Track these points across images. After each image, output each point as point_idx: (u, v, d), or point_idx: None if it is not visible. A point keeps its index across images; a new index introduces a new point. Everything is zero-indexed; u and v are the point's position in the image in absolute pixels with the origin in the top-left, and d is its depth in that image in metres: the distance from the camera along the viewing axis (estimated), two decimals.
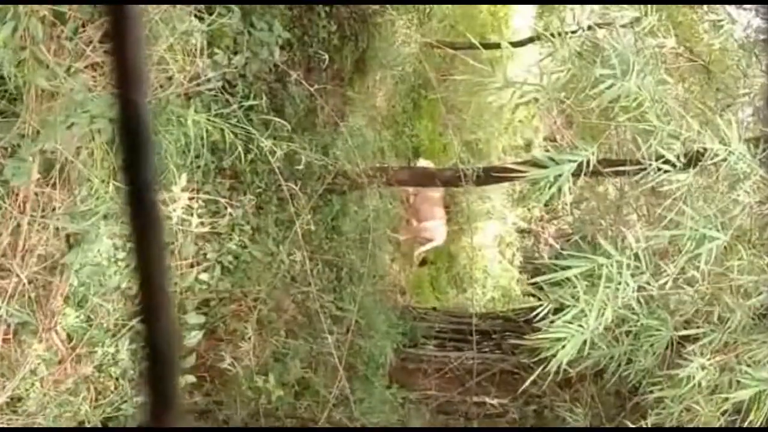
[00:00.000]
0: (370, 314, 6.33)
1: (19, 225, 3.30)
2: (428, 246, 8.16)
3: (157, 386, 0.54)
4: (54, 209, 3.39)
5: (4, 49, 2.67)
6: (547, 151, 4.20)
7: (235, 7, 4.24)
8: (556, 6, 9.90)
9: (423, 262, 8.77)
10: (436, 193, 8.13)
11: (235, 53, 4.48)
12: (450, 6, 9.11)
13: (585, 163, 3.60)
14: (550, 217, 11.47)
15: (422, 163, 8.64)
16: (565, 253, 3.83)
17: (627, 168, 4.25)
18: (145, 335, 0.54)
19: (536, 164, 3.64)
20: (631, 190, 4.96)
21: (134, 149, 0.54)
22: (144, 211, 0.54)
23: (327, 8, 6.20)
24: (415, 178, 6.90)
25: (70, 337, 3.72)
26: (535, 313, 3.80)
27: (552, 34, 3.93)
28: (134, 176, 0.54)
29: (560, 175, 3.54)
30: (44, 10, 2.98)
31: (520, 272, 11.09)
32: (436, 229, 8.06)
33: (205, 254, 4.68)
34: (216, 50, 4.24)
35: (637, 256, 3.62)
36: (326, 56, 5.62)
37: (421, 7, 8.30)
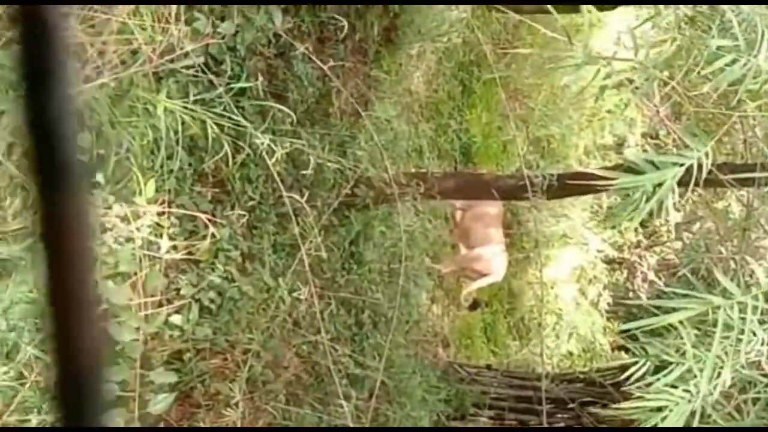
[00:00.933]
0: (401, 373, 6.32)
1: None
2: (482, 282, 8.13)
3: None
4: None
5: None
6: (645, 151, 4.17)
7: None
8: None
9: (474, 305, 8.73)
10: (493, 208, 8.10)
11: (222, 19, 4.52)
12: None
13: (697, 168, 3.57)
14: (650, 242, 11.37)
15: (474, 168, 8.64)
16: (669, 291, 3.80)
17: (756, 175, 4.20)
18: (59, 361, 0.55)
19: (630, 169, 3.62)
20: (762, 206, 4.90)
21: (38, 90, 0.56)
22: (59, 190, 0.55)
23: None
24: (465, 189, 6.88)
25: None
26: (626, 373, 3.78)
27: None
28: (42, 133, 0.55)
29: (662, 184, 3.51)
30: None
31: (608, 318, 11.00)
32: (492, 258, 8.02)
33: (178, 290, 4.70)
34: (196, 14, 4.28)
35: None
36: (345, 23, 5.64)
37: None
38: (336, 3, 5.94)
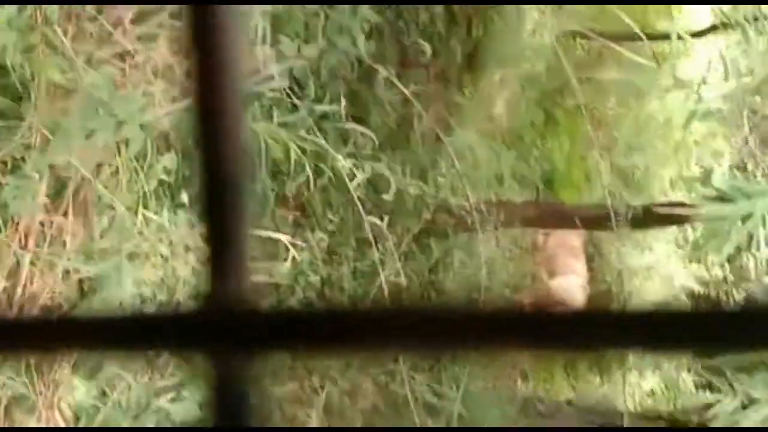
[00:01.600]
0: (479, 406, 6.27)
1: (18, 264, 3.43)
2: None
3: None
4: (64, 245, 3.51)
5: (9, 31, 2.81)
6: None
7: None
8: None
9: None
10: (576, 238, 8.04)
11: (307, 42, 4.58)
12: None
13: None
14: (737, 278, 11.12)
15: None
16: None
17: None
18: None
19: (718, 198, 3.57)
20: None
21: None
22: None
23: None
24: (547, 217, 6.85)
25: (77, 417, 3.82)
26: (712, 412, 3.70)
27: (745, 19, 3.87)
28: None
29: (751, 215, 3.45)
30: None
31: (693, 355, 10.79)
32: (573, 288, 7.96)
33: None
34: (281, 37, 4.35)
35: None
36: (428, 48, 5.68)
37: None
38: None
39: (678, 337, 0.52)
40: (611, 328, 0.53)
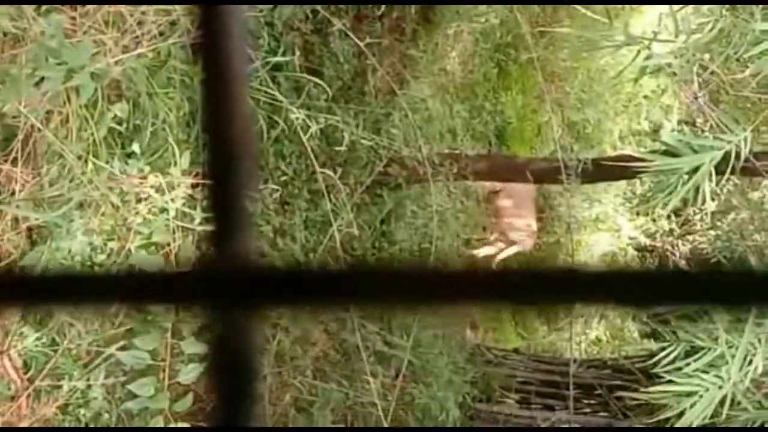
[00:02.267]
0: (429, 354, 6.32)
1: None
2: (509, 251, 8.14)
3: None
4: (13, 193, 3.47)
5: None
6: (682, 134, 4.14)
7: None
8: None
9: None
10: (526, 188, 8.09)
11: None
12: None
13: (734, 155, 3.54)
14: (683, 230, 11.28)
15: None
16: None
17: None
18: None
19: (666, 153, 3.60)
20: None
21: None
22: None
23: None
24: (498, 171, 6.87)
25: (27, 366, 3.80)
26: (656, 359, 3.77)
27: None
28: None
29: (698, 168, 3.49)
30: None
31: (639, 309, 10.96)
32: (521, 228, 8.03)
33: None
34: None
35: None
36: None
37: None
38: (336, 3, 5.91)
39: (624, 294, 0.54)
40: (559, 284, 0.54)
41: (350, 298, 0.58)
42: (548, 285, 0.54)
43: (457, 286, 0.55)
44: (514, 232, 8.02)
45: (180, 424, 3.97)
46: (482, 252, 8.25)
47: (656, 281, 0.54)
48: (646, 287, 0.54)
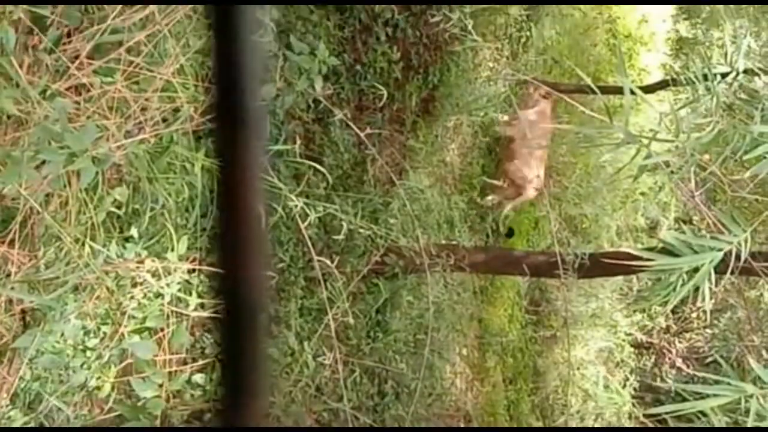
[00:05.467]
0: (423, 427, 6.26)
1: None
2: (517, 201, 8.07)
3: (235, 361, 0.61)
4: (9, 275, 3.45)
5: None
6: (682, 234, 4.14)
7: (268, 23, 4.35)
8: (698, 42, 9.95)
9: (510, 232, 8.65)
10: (538, 150, 8.03)
11: (264, 82, 4.57)
12: (554, 36, 9.22)
13: (733, 256, 3.54)
14: (680, 328, 11.25)
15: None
16: (699, 376, 3.75)
17: None
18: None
19: (665, 251, 3.60)
20: None
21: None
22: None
23: (389, 30, 6.32)
24: (495, 263, 6.88)
25: None
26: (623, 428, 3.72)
27: (694, 78, 3.92)
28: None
29: (698, 270, 3.48)
30: (19, 11, 3.10)
31: (635, 402, 10.84)
32: (528, 177, 7.94)
33: (203, 348, 4.69)
34: None
35: None
36: (384, 92, 5.70)
37: (515, 35, 8.42)
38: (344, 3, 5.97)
39: None
40: None
41: None
42: None
43: None
44: (522, 180, 7.94)
45: None
46: (489, 199, 8.20)
47: None
48: None
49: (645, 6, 11.70)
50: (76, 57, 3.25)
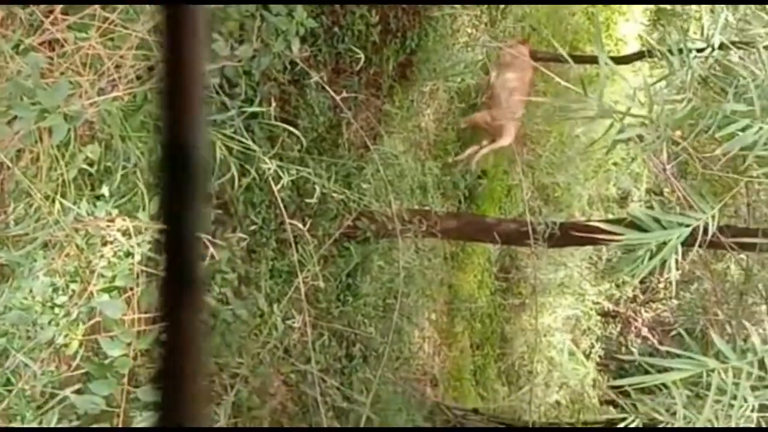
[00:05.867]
0: (387, 410, 6.29)
1: None
2: (492, 147, 8.06)
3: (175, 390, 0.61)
4: None
5: None
6: (650, 208, 4.17)
7: None
8: (677, 14, 9.95)
9: (483, 173, 8.66)
10: (527, 74, 7.97)
11: (241, 42, 4.54)
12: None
13: (701, 230, 3.57)
14: (647, 299, 11.36)
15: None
16: (663, 349, 3.79)
17: (758, 241, 4.21)
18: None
19: (634, 225, 3.63)
20: (762, 272, 4.91)
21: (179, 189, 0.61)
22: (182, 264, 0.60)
23: None
24: (467, 229, 6.90)
25: None
26: (614, 428, 3.78)
27: (669, 51, 3.93)
28: (175, 223, 0.61)
29: (666, 243, 3.52)
30: None
31: (599, 371, 10.96)
32: (505, 125, 7.88)
33: None
34: (215, 36, 4.30)
35: (762, 364, 3.57)
36: (361, 55, 5.67)
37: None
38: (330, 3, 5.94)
39: None
40: None
41: None
42: None
43: None
44: (500, 126, 7.87)
45: None
46: (467, 153, 8.17)
47: None
48: None
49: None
50: (51, 12, 3.22)
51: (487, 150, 8.06)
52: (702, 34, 4.39)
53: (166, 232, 0.60)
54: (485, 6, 8.25)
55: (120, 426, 3.73)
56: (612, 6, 11.61)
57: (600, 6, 11.34)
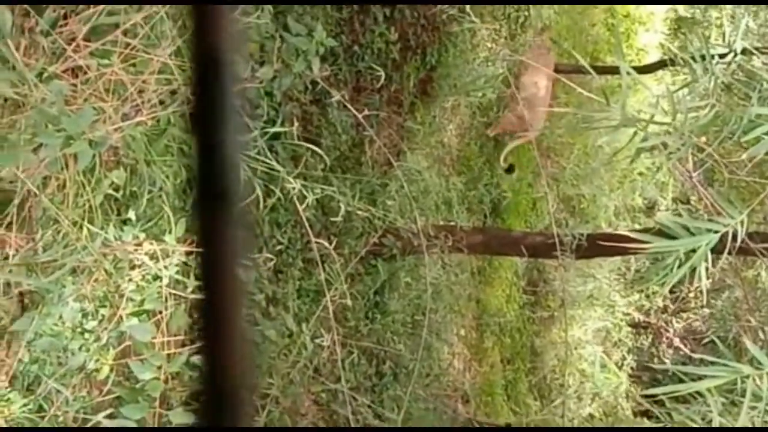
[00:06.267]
0: (420, 427, 6.27)
1: None
2: (519, 141, 7.99)
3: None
4: (6, 258, 3.46)
5: None
6: (678, 216, 4.15)
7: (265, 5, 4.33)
8: (697, 21, 9.93)
9: (510, 168, 8.61)
10: (548, 70, 7.95)
11: (261, 63, 4.56)
12: (552, 16, 9.18)
13: (730, 237, 3.55)
14: (677, 308, 11.27)
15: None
16: (695, 358, 3.76)
17: None
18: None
19: (661, 233, 3.61)
20: None
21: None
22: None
23: (387, 10, 6.30)
24: (493, 244, 6.89)
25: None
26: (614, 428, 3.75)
27: (692, 58, 3.92)
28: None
29: (695, 251, 3.49)
30: None
31: (632, 382, 10.88)
32: (532, 117, 7.82)
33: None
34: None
35: None
36: (382, 73, 5.69)
37: (513, 15, 8.39)
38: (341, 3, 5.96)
39: None
40: None
41: None
42: None
43: None
44: (528, 119, 7.84)
45: None
46: (493, 131, 8.14)
47: None
48: None
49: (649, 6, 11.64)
50: (73, 39, 3.25)
51: (516, 143, 8.02)
52: (723, 40, 4.38)
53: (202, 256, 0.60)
54: (505, 20, 8.25)
55: None
56: (632, 16, 11.59)
57: (620, 16, 11.32)
